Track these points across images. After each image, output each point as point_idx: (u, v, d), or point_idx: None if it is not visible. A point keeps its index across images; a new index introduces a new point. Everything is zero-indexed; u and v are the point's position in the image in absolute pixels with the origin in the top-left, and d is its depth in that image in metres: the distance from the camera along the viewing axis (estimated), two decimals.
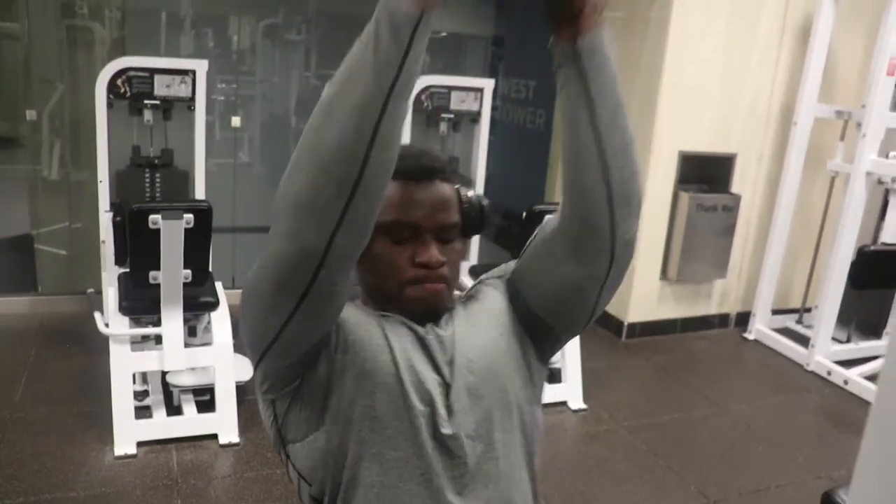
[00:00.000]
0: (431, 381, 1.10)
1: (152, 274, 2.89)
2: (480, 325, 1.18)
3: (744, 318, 4.89)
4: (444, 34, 5.86)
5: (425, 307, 1.14)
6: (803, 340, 4.53)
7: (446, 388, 1.11)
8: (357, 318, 1.12)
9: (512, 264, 1.26)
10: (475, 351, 1.14)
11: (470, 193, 1.20)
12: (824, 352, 4.35)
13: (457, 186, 1.19)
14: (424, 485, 1.07)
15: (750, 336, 4.82)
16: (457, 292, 1.23)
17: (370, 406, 1.07)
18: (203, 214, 2.82)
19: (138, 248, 2.87)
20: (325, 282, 0.97)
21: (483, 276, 1.30)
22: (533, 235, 1.19)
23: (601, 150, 1.01)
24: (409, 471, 1.07)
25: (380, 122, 0.88)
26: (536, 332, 1.20)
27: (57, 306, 4.26)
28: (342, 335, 1.10)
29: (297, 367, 1.09)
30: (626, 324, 4.61)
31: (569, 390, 3.66)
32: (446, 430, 1.09)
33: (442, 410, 1.09)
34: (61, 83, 4.66)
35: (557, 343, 1.24)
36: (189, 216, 2.77)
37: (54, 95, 4.65)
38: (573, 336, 1.26)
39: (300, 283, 0.96)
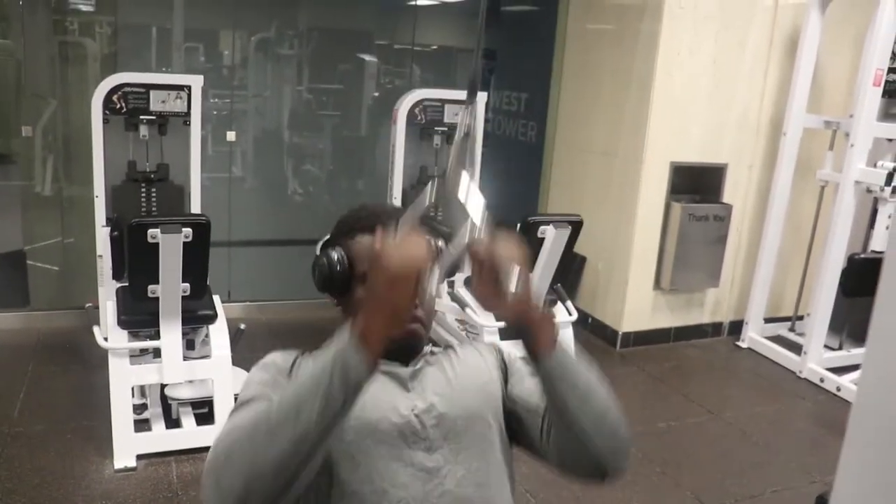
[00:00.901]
0: (403, 411, 1.21)
1: (151, 287, 2.90)
2: (464, 383, 1.30)
3: (737, 327, 4.94)
4: (434, 47, 5.91)
5: (402, 344, 1.21)
6: (796, 348, 4.57)
7: (421, 415, 1.22)
8: None
9: (509, 357, 1.39)
10: (454, 407, 1.25)
11: (440, 243, 1.25)
12: (817, 359, 4.39)
13: (428, 238, 1.26)
14: None
15: (743, 344, 4.86)
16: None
17: (340, 449, 1.16)
18: (201, 228, 2.84)
19: (137, 262, 2.89)
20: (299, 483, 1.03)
21: (472, 344, 1.46)
22: (529, 389, 1.30)
23: (578, 430, 1.15)
24: (387, 500, 1.16)
25: (316, 445, 1.00)
26: (509, 428, 1.33)
27: (53, 321, 4.26)
28: None
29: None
30: (620, 333, 4.64)
31: None
32: (423, 457, 1.20)
33: (418, 437, 1.21)
34: (54, 99, 4.67)
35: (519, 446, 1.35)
36: (188, 230, 2.79)
37: (47, 111, 4.66)
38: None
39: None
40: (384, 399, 1.21)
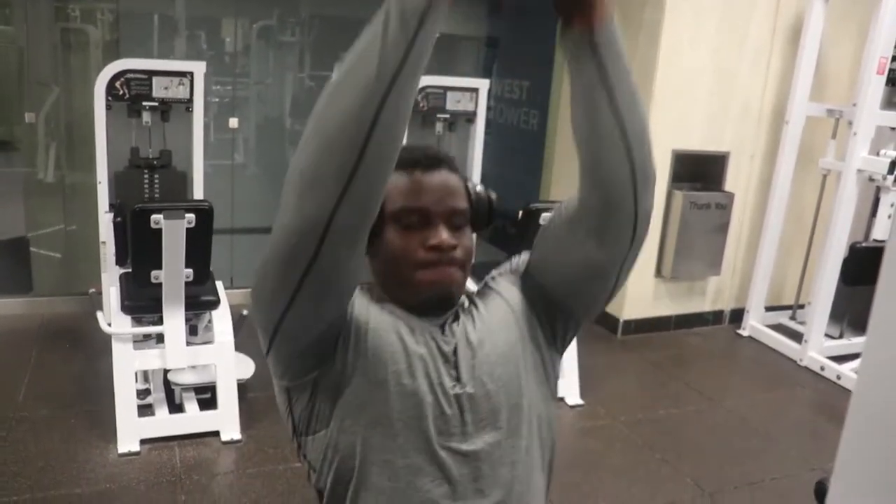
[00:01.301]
0: (447, 390, 1.10)
1: (154, 273, 2.92)
2: (495, 328, 1.18)
3: (738, 315, 4.95)
4: (437, 35, 5.89)
5: (438, 291, 1.13)
6: (796, 336, 4.59)
7: (462, 396, 1.11)
8: (375, 322, 1.11)
9: (524, 257, 1.27)
10: (492, 357, 1.14)
11: (478, 186, 1.22)
12: (817, 347, 4.41)
13: (465, 178, 1.21)
14: (436, 492, 1.08)
15: (744, 332, 4.87)
16: (469, 287, 1.24)
17: (382, 414, 1.08)
18: (204, 214, 2.85)
19: (140, 248, 2.90)
20: (327, 259, 0.97)
21: (494, 273, 1.30)
22: (542, 228, 1.20)
23: (623, 132, 1.04)
24: (420, 479, 1.08)
25: (381, 108, 0.90)
26: (555, 320, 1.21)
27: (56, 307, 4.28)
28: (358, 337, 1.09)
29: (308, 357, 1.09)
30: (621, 321, 4.65)
31: (566, 386, 3.70)
32: (459, 439, 1.09)
33: (455, 420, 1.10)
34: (56, 86, 4.68)
35: (576, 328, 1.25)
36: (190, 216, 2.80)
37: (49, 98, 4.67)
38: (593, 318, 1.26)
39: (303, 257, 0.97)
40: (424, 370, 1.10)
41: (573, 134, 1.09)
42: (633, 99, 1.05)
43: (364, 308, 1.13)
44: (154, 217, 2.76)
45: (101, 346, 3.36)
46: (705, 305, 4.95)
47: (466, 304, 1.22)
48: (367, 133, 0.90)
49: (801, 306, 4.88)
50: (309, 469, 1.17)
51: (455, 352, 1.13)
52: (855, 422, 0.63)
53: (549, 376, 1.23)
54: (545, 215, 3.43)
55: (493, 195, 1.22)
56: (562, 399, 3.67)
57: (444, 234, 1.11)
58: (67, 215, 4.74)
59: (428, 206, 1.12)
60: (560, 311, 1.21)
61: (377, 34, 0.89)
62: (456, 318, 1.18)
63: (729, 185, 4.70)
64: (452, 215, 1.14)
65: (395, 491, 1.08)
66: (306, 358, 1.09)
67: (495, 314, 1.20)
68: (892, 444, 0.57)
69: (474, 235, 1.22)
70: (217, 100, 5.07)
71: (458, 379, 1.11)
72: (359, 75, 0.90)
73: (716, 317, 5.00)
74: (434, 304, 1.14)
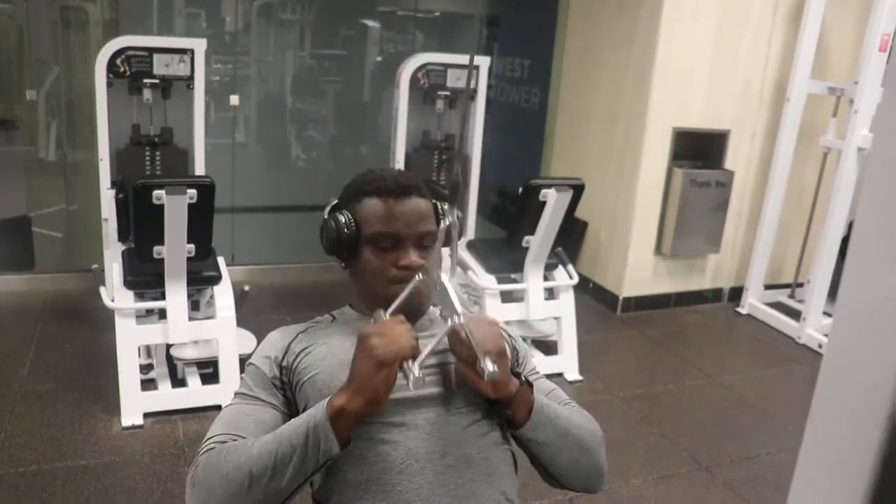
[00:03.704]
0: (401, 396, 1.19)
1: (156, 249, 2.94)
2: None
3: (737, 293, 4.97)
4: (437, 14, 5.87)
5: (408, 303, 1.25)
6: (795, 314, 4.61)
7: (417, 401, 1.21)
8: (324, 354, 1.27)
9: (526, 368, 1.41)
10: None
11: (446, 206, 1.31)
12: (815, 325, 4.43)
13: (434, 201, 1.34)
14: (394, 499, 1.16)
15: (742, 310, 4.90)
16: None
17: None
18: (206, 189, 2.86)
19: (142, 224, 2.92)
20: None
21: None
22: (538, 395, 1.29)
23: (557, 471, 1.30)
24: (375, 491, 1.16)
25: (287, 498, 1.12)
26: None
27: (59, 284, 4.31)
28: (300, 369, 1.26)
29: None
30: (620, 298, 4.68)
31: (565, 362, 3.73)
32: (414, 443, 1.18)
33: (410, 426, 1.20)
34: (56, 65, 4.67)
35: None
36: (192, 191, 2.81)
37: (50, 77, 4.67)
38: None
39: None
40: None
41: None
42: (562, 448, 1.27)
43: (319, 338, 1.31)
44: (156, 193, 2.77)
45: (104, 321, 3.39)
46: (705, 283, 4.97)
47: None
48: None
49: (801, 284, 4.90)
50: None
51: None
52: (823, 389, 0.65)
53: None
54: (544, 191, 3.46)
55: (460, 214, 1.31)
56: (560, 374, 3.70)
57: (413, 256, 1.27)
58: (69, 193, 4.76)
59: (399, 230, 1.27)
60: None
61: (294, 462, 1.09)
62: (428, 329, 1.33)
63: (729, 163, 4.71)
64: (421, 238, 1.29)
65: (369, 482, 1.17)
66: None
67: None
68: (858, 410, 0.59)
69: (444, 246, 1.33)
70: (218, 78, 5.06)
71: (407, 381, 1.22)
72: (272, 481, 1.10)
73: (715, 294, 5.02)
74: (406, 314, 1.23)
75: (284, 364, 1.27)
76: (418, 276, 1.23)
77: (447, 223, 1.24)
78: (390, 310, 1.20)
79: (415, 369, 1.08)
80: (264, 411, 1.22)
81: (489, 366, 1.10)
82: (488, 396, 1.21)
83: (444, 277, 1.20)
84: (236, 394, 1.27)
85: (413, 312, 1.27)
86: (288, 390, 1.26)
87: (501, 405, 1.23)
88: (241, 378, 1.30)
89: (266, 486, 1.09)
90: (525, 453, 1.29)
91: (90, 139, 3.46)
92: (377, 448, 1.17)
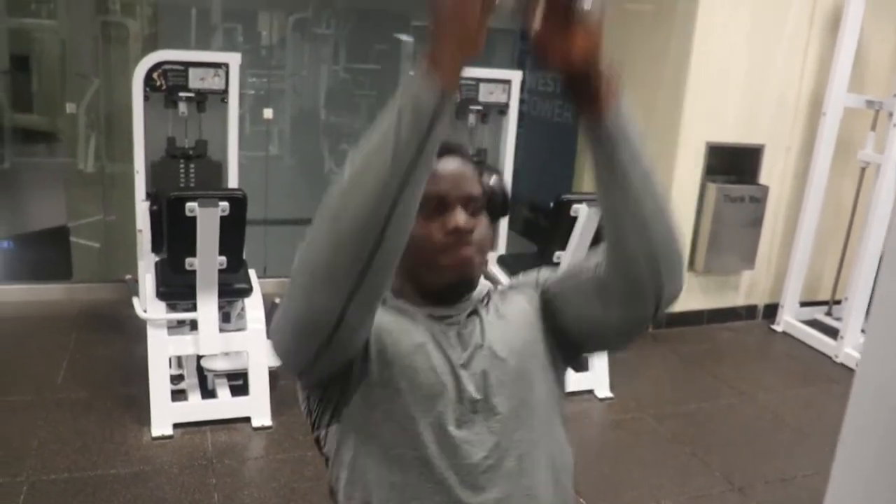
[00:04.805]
0: (460, 379, 1.13)
1: (188, 260, 2.97)
2: (512, 325, 1.21)
3: (772, 310, 4.88)
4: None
5: (458, 274, 1.17)
6: (832, 332, 4.52)
7: (473, 384, 1.13)
8: (392, 327, 1.14)
9: (545, 274, 1.29)
10: (507, 351, 1.17)
11: (493, 177, 1.25)
12: (853, 343, 4.33)
13: (478, 169, 1.23)
14: (434, 483, 1.10)
15: (778, 328, 4.81)
16: (489, 284, 1.27)
17: (391, 409, 1.11)
18: (238, 202, 2.89)
19: (175, 236, 2.96)
20: (341, 339, 1.01)
21: (514, 283, 1.33)
22: (576, 267, 1.21)
23: (636, 216, 1.05)
24: (417, 471, 1.10)
25: (395, 205, 0.92)
26: (565, 345, 1.24)
27: (94, 293, 4.37)
28: (379, 347, 1.12)
29: (326, 378, 1.13)
30: None
31: (595, 379, 3.69)
32: (462, 428, 1.11)
33: (465, 409, 1.12)
34: (96, 78, 4.78)
35: (585, 355, 1.27)
36: (224, 204, 2.84)
37: (90, 90, 4.77)
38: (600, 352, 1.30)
39: (315, 342, 1.02)
40: (428, 351, 1.14)
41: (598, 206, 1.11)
42: (647, 181, 1.05)
43: (383, 313, 1.16)
44: (189, 205, 2.81)
45: (136, 331, 3.43)
46: (738, 300, 4.89)
47: (486, 300, 1.24)
48: (381, 230, 0.92)
49: (838, 302, 4.80)
50: (326, 461, 1.21)
51: (471, 343, 1.16)
52: (857, 401, 0.63)
53: (560, 379, 1.25)
54: (576, 206, 3.44)
55: (506, 185, 1.25)
56: (591, 392, 3.66)
57: (461, 218, 1.14)
58: (106, 204, 4.84)
59: (445, 191, 1.15)
60: (569, 341, 1.24)
61: (390, 134, 0.91)
62: (474, 311, 1.20)
63: (764, 178, 4.64)
64: (468, 201, 1.17)
65: (394, 486, 1.10)
66: (325, 379, 1.14)
67: (515, 310, 1.23)
68: (893, 422, 0.57)
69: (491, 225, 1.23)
70: (252, 92, 5.14)
71: (465, 367, 1.14)
72: (373, 175, 0.91)
73: (749, 311, 4.94)
74: (454, 287, 1.18)
75: None
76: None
77: (492, 181, 1.17)
78: None
79: None
80: None
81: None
82: (573, 63, 0.97)
83: None
84: None
85: (463, 285, 1.19)
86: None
87: (584, 80, 0.99)
88: None
89: (370, 181, 0.90)
90: (600, 199, 1.08)
91: (127, 151, 3.52)
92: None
